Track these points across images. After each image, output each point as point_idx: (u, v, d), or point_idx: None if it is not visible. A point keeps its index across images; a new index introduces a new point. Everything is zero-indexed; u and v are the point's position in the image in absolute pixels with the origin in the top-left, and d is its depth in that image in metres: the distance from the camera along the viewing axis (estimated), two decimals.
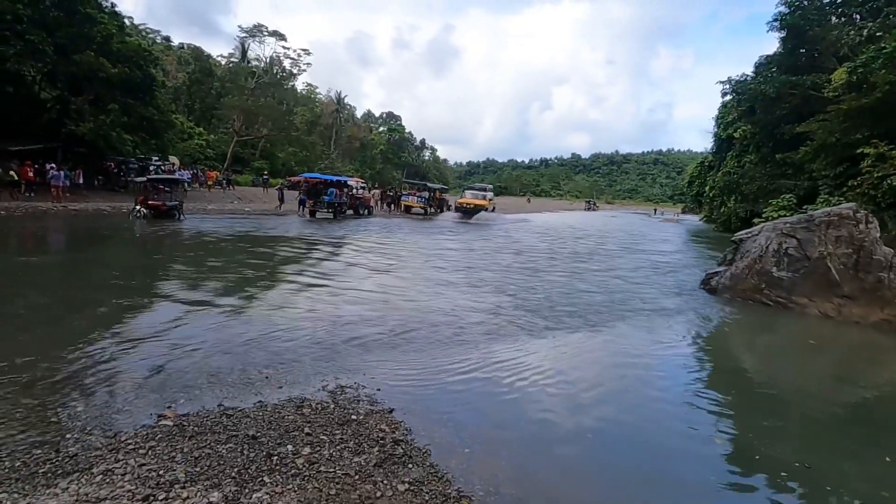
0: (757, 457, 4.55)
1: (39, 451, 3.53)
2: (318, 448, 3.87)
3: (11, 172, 22.61)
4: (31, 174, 23.56)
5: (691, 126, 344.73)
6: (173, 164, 36.65)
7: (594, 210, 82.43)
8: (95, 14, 27.95)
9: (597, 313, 9.50)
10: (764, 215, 24.62)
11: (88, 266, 11.90)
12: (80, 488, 3.11)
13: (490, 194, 45.00)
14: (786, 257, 11.01)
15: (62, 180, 23.49)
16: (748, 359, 8.11)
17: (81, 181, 26.36)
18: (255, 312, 8.10)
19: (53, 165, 24.80)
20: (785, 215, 19.42)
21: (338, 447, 3.92)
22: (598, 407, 5.40)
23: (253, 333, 6.84)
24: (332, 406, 4.74)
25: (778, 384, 6.69)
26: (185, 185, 30.25)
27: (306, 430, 4.15)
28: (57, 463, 3.38)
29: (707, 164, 55.68)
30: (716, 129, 50.03)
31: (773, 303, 10.92)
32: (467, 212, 36.87)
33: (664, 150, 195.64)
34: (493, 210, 43.57)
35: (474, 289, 11.10)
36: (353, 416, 4.53)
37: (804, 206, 21.63)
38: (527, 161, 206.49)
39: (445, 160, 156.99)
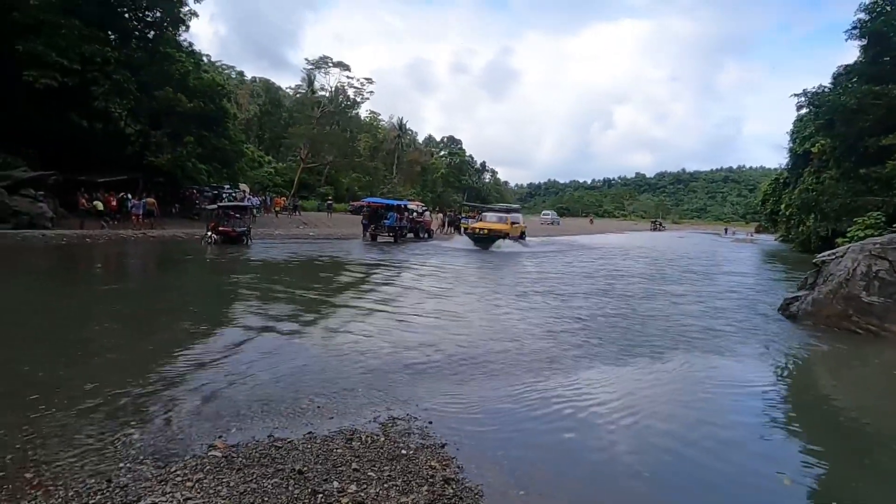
0: None
1: (93, 481, 3.56)
2: (365, 486, 3.73)
3: (96, 202, 24.24)
4: (114, 203, 25.20)
5: (763, 141, 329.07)
6: (243, 191, 38.29)
7: (661, 230, 79.84)
8: (174, 53, 29.95)
9: (664, 340, 8.97)
10: (848, 235, 22.94)
11: (160, 291, 12.44)
12: None
13: (517, 216, 32.39)
14: (876, 281, 10.09)
15: (141, 209, 24.99)
16: (834, 393, 7.38)
17: (156, 213, 27.88)
18: (312, 338, 8.14)
19: (130, 195, 26.42)
20: (872, 234, 17.97)
21: (385, 485, 3.76)
22: (665, 443, 5.00)
23: (308, 360, 6.84)
24: (383, 439, 4.60)
25: (869, 422, 6.01)
26: (254, 211, 31.56)
27: (354, 465, 4.03)
28: (107, 494, 3.39)
29: (782, 180, 52.82)
30: (791, 144, 47.51)
31: (863, 331, 10.01)
32: (480, 239, 26.67)
33: (734, 166, 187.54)
34: (523, 236, 31.45)
35: (534, 315, 10.80)
36: (404, 451, 4.37)
37: (894, 225, 20.02)
38: (589, 181, 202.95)
39: (506, 182, 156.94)
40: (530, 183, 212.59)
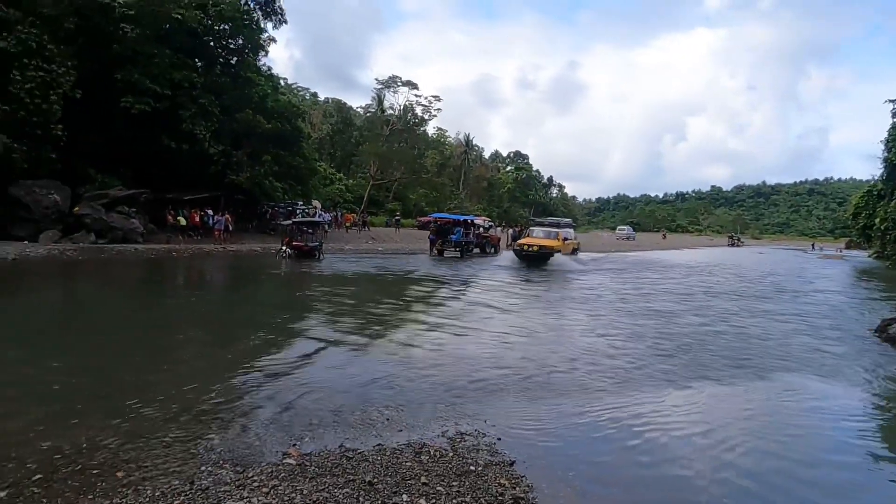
0: None
1: (177, 482, 3.73)
2: (434, 500, 3.70)
3: (180, 218, 25.82)
4: (197, 219, 26.75)
5: (852, 151, 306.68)
6: (316, 207, 39.63)
7: (739, 246, 75.88)
8: (255, 77, 31.60)
9: (745, 362, 8.46)
10: None
11: (238, 302, 13.05)
12: None
13: (569, 231, 30.51)
14: None
15: (222, 224, 26.41)
16: None
17: (231, 228, 29.21)
18: (381, 351, 8.25)
19: (211, 212, 27.94)
20: None
21: (454, 501, 3.73)
22: (746, 469, 4.69)
23: (377, 373, 6.93)
24: (451, 454, 4.57)
25: None
26: (326, 226, 32.60)
27: (423, 479, 4.02)
28: (190, 496, 3.54)
29: (876, 192, 48.89)
30: (886, 154, 44.00)
31: None
32: (528, 257, 23.86)
33: (820, 178, 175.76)
34: (576, 252, 29.58)
35: (604, 332, 10.49)
36: (472, 467, 4.33)
37: None
38: (661, 195, 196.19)
39: (574, 197, 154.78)
40: (598, 197, 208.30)
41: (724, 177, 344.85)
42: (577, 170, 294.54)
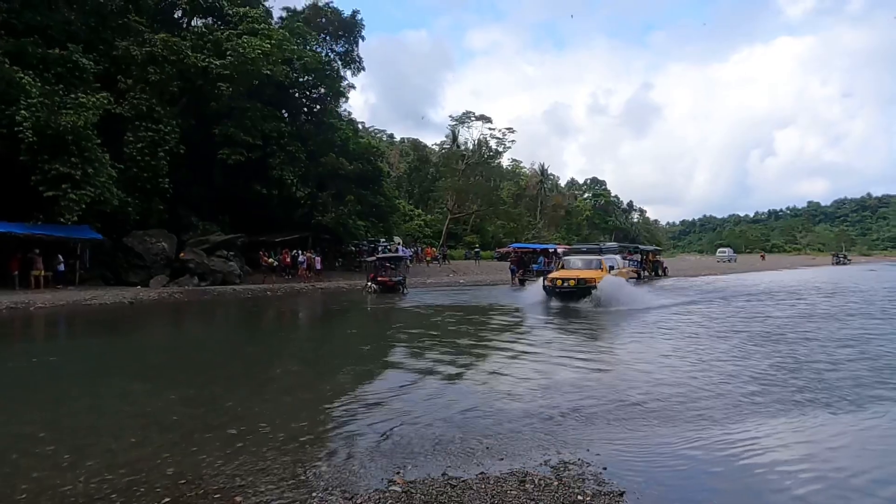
0: None
1: None
2: None
3: (272, 259, 27.32)
4: (288, 259, 28.17)
5: None
6: (397, 243, 40.66)
7: (845, 264, 70.08)
8: (337, 123, 33.32)
9: (865, 390, 7.69)
10: None
11: (332, 336, 13.51)
12: None
13: (615, 259, 24.07)
14: None
15: (304, 263, 27.85)
16: None
17: (320, 267, 30.51)
18: (472, 380, 8.23)
19: (300, 252, 29.37)
20: None
21: None
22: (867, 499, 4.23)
23: (472, 402, 6.89)
24: (556, 483, 4.43)
25: None
26: (408, 261, 33.32)
27: None
28: None
29: None
30: None
31: None
32: (564, 294, 18.38)
33: None
34: (638, 279, 24.58)
35: (703, 357, 9.94)
36: (580, 497, 4.17)
37: None
38: (751, 214, 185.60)
39: (656, 221, 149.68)
40: (683, 220, 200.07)
41: (821, 191, 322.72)
42: (659, 193, 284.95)
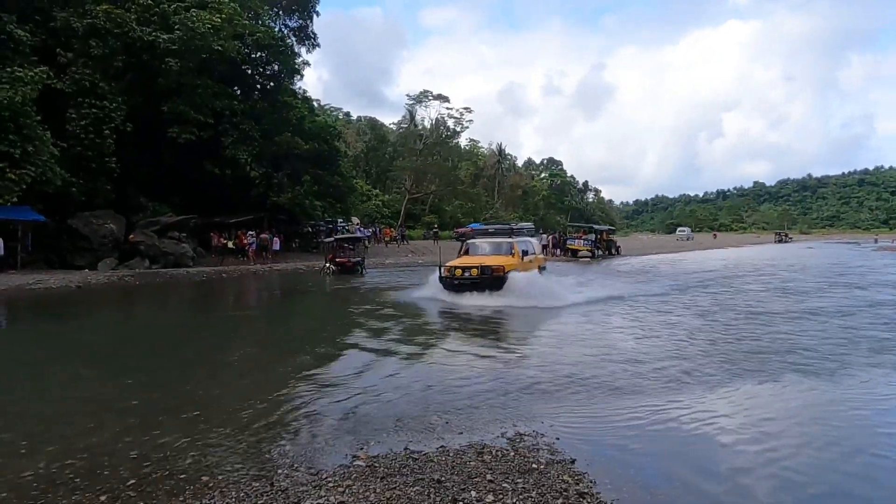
0: None
1: (257, 484, 3.96)
2: (502, 496, 3.82)
3: (228, 241, 26.80)
4: (245, 241, 27.66)
5: None
6: (355, 223, 40.38)
7: (787, 242, 73.60)
8: (292, 101, 32.60)
9: (799, 361, 8.24)
10: None
11: (290, 318, 13.52)
12: None
13: (529, 243, 18.78)
14: None
15: (255, 245, 27.50)
16: None
17: (277, 247, 30.05)
18: (432, 359, 8.45)
19: (252, 233, 28.81)
20: None
21: (520, 496, 3.84)
22: (805, 467, 4.64)
23: (431, 380, 7.10)
24: (512, 454, 4.68)
25: None
26: (366, 242, 33.19)
27: (488, 476, 4.14)
28: (272, 496, 3.76)
29: None
30: None
31: None
32: (464, 286, 14.56)
33: (870, 168, 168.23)
34: (542, 271, 18.21)
35: (653, 332, 10.43)
36: (534, 465, 4.42)
37: None
38: (700, 195, 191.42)
39: (610, 201, 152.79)
40: (636, 200, 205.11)
41: (765, 172, 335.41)
42: (612, 173, 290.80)
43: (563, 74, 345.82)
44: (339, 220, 37.39)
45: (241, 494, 3.79)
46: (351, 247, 25.60)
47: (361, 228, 39.83)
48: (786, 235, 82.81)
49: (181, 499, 3.77)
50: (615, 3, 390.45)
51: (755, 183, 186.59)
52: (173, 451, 4.69)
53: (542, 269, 18.65)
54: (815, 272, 24.60)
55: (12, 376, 7.71)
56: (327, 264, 23.30)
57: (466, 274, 14.60)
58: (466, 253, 16.89)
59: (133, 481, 4.06)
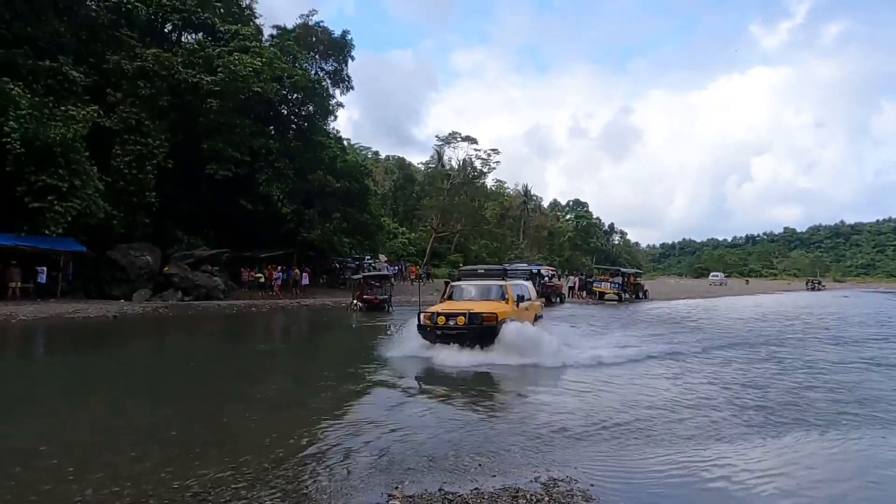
0: None
1: None
2: None
3: (259, 275, 27.33)
4: (274, 276, 28.20)
5: None
6: (383, 261, 40.80)
7: (819, 290, 71.65)
8: (325, 140, 33.57)
9: (842, 414, 8.05)
10: None
11: (321, 353, 13.70)
12: None
13: (523, 287, 15.48)
14: None
15: (280, 280, 28.04)
16: None
17: (307, 281, 30.57)
18: (464, 400, 8.46)
19: (281, 267, 29.37)
20: None
21: None
22: None
23: (464, 421, 7.10)
24: (547, 499, 4.67)
25: None
26: (392, 279, 33.46)
27: None
28: None
29: None
30: None
31: None
32: (448, 336, 11.81)
33: None
34: (538, 320, 15.16)
35: (686, 381, 10.27)
36: None
37: None
38: (729, 239, 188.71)
39: (637, 243, 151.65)
40: (663, 243, 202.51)
41: (796, 217, 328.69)
42: (639, 216, 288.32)
43: (590, 116, 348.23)
44: (367, 257, 37.86)
45: None
46: (378, 284, 25.83)
47: (388, 266, 40.20)
48: (819, 283, 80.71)
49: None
50: (643, 47, 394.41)
51: (786, 228, 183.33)
52: (215, 482, 4.80)
53: (538, 318, 15.51)
54: (857, 321, 23.91)
55: (59, 404, 7.98)
56: (355, 301, 23.53)
57: (451, 322, 11.84)
58: (451, 298, 14.07)
59: None
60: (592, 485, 5.08)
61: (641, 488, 5.15)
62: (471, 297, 13.63)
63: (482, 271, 16.00)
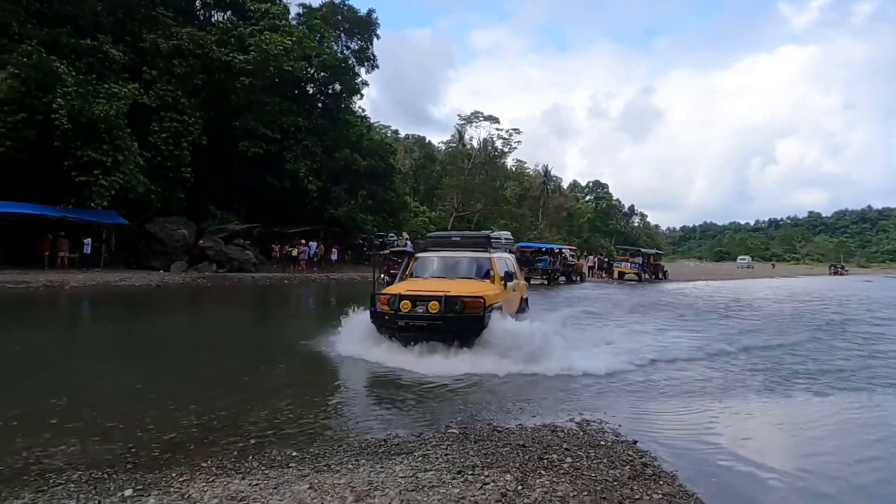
0: None
1: (376, 437, 4.86)
2: (578, 460, 4.54)
3: (292, 249, 28.30)
4: (300, 251, 29.19)
5: None
6: (406, 238, 41.51)
7: (842, 275, 71.03)
8: (352, 119, 34.19)
9: (841, 375, 8.63)
10: None
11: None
12: (411, 462, 4.28)
13: (505, 259, 11.00)
14: None
15: (306, 255, 29.03)
16: None
17: (336, 256, 31.54)
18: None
19: (312, 243, 30.31)
20: None
21: (594, 461, 4.54)
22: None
23: (502, 374, 7.76)
24: (582, 433, 5.37)
25: None
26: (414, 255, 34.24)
27: (564, 446, 4.86)
28: (390, 445, 4.64)
29: None
30: None
31: None
32: (414, 330, 8.20)
33: None
34: (525, 307, 12.07)
35: (703, 345, 10.86)
36: (602, 442, 5.11)
37: None
38: (752, 223, 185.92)
39: (657, 226, 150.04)
40: (683, 226, 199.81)
41: (821, 201, 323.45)
42: (659, 198, 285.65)
43: (610, 96, 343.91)
44: (391, 234, 38.65)
45: (363, 443, 4.67)
46: (400, 261, 26.54)
47: (410, 242, 40.90)
48: (842, 268, 79.97)
49: (308, 447, 4.68)
50: (666, 26, 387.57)
51: (810, 213, 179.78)
52: (291, 413, 5.64)
53: (524, 301, 12.24)
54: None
55: (141, 355, 8.90)
56: (383, 276, 24.35)
57: (420, 309, 8.22)
58: (412, 275, 10.32)
59: (271, 431, 5.03)
60: (620, 425, 5.77)
61: (663, 424, 5.84)
62: (443, 273, 9.97)
63: (458, 239, 11.73)
